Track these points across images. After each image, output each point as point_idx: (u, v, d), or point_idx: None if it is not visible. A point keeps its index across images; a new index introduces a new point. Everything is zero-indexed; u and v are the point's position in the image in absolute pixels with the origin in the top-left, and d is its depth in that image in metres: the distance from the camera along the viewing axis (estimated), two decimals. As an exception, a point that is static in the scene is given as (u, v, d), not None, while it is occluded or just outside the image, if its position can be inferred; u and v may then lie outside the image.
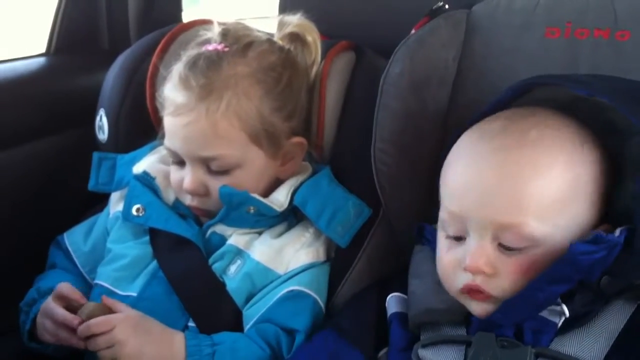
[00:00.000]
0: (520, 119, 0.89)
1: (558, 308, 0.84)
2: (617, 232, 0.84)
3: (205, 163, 1.09)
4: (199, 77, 1.07)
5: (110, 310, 1.01)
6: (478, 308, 0.87)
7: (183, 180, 1.10)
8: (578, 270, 0.82)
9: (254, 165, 1.10)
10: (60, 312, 1.01)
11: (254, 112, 1.08)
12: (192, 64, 1.09)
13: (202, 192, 1.10)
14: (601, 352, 0.82)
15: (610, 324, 0.84)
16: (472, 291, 0.86)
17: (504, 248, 0.85)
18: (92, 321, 0.98)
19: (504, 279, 0.84)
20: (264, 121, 1.09)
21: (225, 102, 1.06)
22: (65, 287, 1.04)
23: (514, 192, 0.83)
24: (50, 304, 1.03)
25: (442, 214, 0.91)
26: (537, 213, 0.83)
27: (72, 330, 0.99)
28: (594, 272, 0.83)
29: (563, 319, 0.84)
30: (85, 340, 0.98)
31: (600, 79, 0.93)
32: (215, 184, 1.09)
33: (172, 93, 1.10)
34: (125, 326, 0.98)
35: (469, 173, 0.88)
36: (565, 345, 0.84)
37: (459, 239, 0.89)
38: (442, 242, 0.92)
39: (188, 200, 1.12)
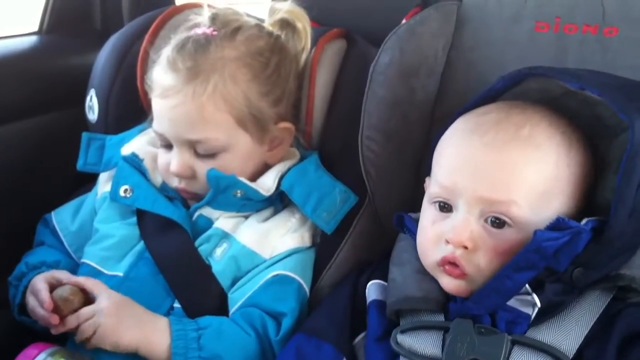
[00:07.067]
0: (514, 114, 0.90)
1: (529, 298, 0.86)
2: (584, 221, 0.86)
3: (192, 146, 1.09)
4: (186, 59, 1.08)
5: (85, 294, 1.03)
6: (450, 283, 0.90)
7: (170, 163, 1.11)
8: (543, 257, 0.83)
9: (240, 149, 1.11)
10: (43, 295, 1.02)
11: (241, 95, 1.09)
12: (180, 47, 1.10)
13: (189, 175, 1.11)
14: (575, 342, 0.84)
15: (584, 314, 0.85)
16: (449, 264, 0.89)
17: (488, 225, 0.87)
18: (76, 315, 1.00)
19: (481, 256, 0.87)
20: (250, 105, 1.10)
21: (212, 85, 1.07)
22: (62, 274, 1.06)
23: (506, 173, 0.86)
24: (38, 285, 1.04)
25: (433, 188, 0.93)
26: (524, 197, 0.85)
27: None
28: (560, 259, 0.84)
29: (536, 310, 0.86)
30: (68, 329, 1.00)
31: (591, 73, 0.94)
32: (202, 167, 1.10)
33: (160, 75, 1.10)
34: (108, 306, 0.99)
35: (465, 151, 0.90)
36: (538, 335, 0.85)
37: (445, 209, 0.91)
38: (427, 215, 0.93)
39: (175, 182, 1.13)
